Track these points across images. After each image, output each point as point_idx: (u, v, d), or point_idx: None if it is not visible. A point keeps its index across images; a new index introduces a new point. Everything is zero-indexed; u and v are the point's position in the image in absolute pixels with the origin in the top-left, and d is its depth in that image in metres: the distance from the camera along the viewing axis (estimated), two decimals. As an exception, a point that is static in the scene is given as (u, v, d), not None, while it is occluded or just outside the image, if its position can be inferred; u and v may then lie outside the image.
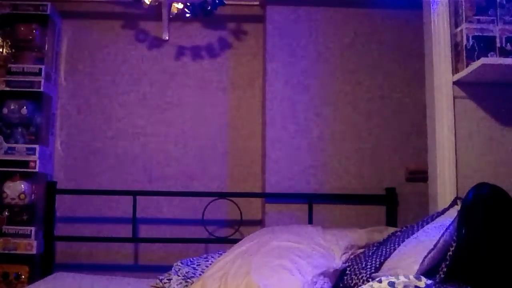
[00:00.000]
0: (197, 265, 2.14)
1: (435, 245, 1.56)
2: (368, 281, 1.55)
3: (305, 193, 2.65)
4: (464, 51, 1.99)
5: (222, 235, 2.73)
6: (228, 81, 2.91)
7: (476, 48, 1.98)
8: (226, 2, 2.71)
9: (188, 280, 2.03)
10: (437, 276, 1.51)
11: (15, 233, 2.51)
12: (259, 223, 2.76)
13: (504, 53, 1.98)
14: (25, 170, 2.56)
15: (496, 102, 2.06)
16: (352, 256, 1.90)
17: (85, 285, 2.18)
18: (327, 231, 2.08)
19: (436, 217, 1.83)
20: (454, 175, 2.02)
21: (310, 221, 2.60)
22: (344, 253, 1.89)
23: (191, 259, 2.20)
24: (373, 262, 1.71)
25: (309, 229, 2.13)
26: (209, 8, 2.67)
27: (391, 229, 2.12)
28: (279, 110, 2.72)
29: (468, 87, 2.06)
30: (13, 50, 2.68)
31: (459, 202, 1.84)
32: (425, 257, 1.53)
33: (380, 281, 1.38)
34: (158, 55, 2.91)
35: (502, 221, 1.54)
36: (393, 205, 2.63)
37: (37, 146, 2.58)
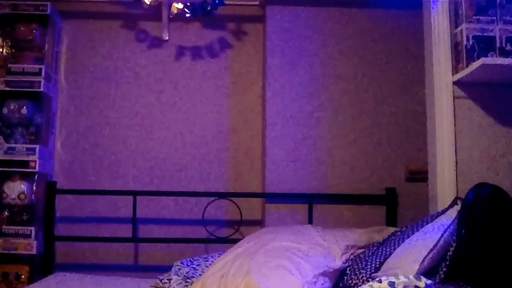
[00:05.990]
0: (197, 265, 2.14)
1: (435, 245, 1.56)
2: (368, 281, 1.55)
3: (305, 193, 2.65)
4: (464, 51, 1.99)
5: (222, 235, 2.73)
6: (228, 81, 2.91)
7: (476, 48, 1.98)
8: (226, 2, 2.71)
9: (188, 280, 2.03)
10: (437, 276, 1.51)
11: (15, 233, 2.51)
12: (259, 223, 2.76)
13: (504, 53, 1.98)
14: (25, 170, 2.56)
15: (496, 102, 2.05)
16: (352, 256, 1.90)
17: (85, 285, 2.19)
18: (327, 231, 2.08)
19: (436, 217, 1.83)
20: (454, 175, 2.02)
21: (310, 221, 2.60)
22: (344, 253, 1.89)
23: (191, 259, 2.20)
24: (373, 262, 1.71)
25: (309, 229, 2.12)
26: (209, 8, 2.67)
27: (391, 229, 2.12)
28: (279, 110, 2.72)
29: (468, 87, 2.06)
30: (13, 50, 2.68)
31: (459, 202, 1.84)
32: (425, 257, 1.53)
33: (380, 281, 1.38)
34: (158, 55, 2.91)
35: (502, 221, 1.54)
36: (393, 205, 2.63)
37: (37, 146, 2.58)
